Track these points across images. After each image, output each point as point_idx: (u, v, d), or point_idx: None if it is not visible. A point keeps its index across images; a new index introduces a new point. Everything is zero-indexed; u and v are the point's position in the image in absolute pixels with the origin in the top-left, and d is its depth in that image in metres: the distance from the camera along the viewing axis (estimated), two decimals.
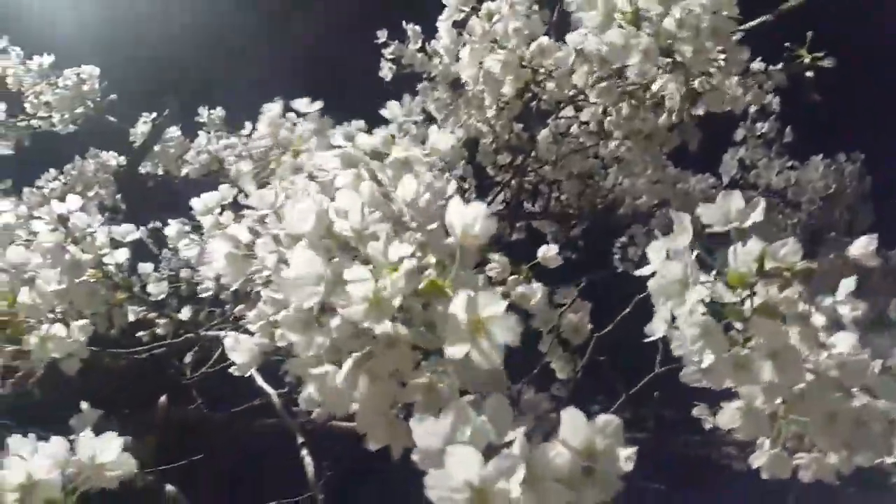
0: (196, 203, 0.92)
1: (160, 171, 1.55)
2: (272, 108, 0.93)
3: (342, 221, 0.47)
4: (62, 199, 1.70)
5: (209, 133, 1.46)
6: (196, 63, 1.61)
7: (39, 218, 0.78)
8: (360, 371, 0.41)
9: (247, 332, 0.59)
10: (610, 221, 1.60)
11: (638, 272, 0.47)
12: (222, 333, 0.84)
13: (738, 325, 0.45)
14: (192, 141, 1.51)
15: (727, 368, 0.45)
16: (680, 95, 1.15)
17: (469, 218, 0.40)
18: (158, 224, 1.29)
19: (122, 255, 0.79)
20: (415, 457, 0.33)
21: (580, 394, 0.99)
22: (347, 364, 0.40)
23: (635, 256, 1.55)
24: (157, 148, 1.50)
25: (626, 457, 0.35)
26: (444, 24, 1.20)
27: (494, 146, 1.38)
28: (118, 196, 1.62)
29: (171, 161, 1.52)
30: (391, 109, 0.84)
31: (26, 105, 1.68)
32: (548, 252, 0.84)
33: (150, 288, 1.03)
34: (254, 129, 1.41)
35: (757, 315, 0.44)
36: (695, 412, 0.78)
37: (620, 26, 0.89)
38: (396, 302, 0.40)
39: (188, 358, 1.06)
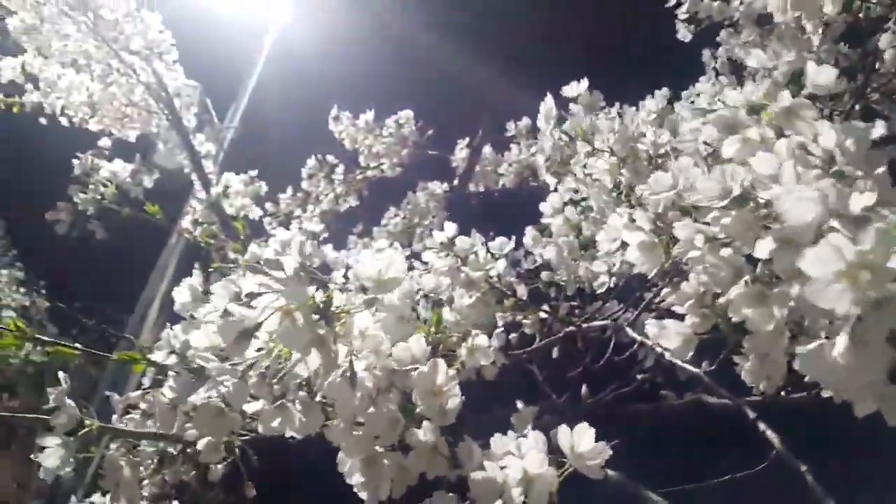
0: (544, 206, 0.98)
1: (480, 189, 1.69)
2: (546, 104, 0.94)
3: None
4: (404, 232, 1.94)
5: (519, 144, 1.55)
6: (495, 81, 1.73)
7: (429, 248, 0.92)
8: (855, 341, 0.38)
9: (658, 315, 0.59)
10: None
11: None
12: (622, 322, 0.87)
13: None
14: (503, 154, 1.62)
15: None
16: None
17: None
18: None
19: (501, 265, 0.87)
20: None
21: None
22: (843, 337, 0.37)
23: None
24: (476, 168, 1.64)
25: None
26: None
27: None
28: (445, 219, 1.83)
29: (488, 177, 1.65)
30: (756, 57, 0.77)
31: (360, 159, 1.99)
32: None
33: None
34: None
35: None
36: None
37: None
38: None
39: (555, 353, 1.12)
